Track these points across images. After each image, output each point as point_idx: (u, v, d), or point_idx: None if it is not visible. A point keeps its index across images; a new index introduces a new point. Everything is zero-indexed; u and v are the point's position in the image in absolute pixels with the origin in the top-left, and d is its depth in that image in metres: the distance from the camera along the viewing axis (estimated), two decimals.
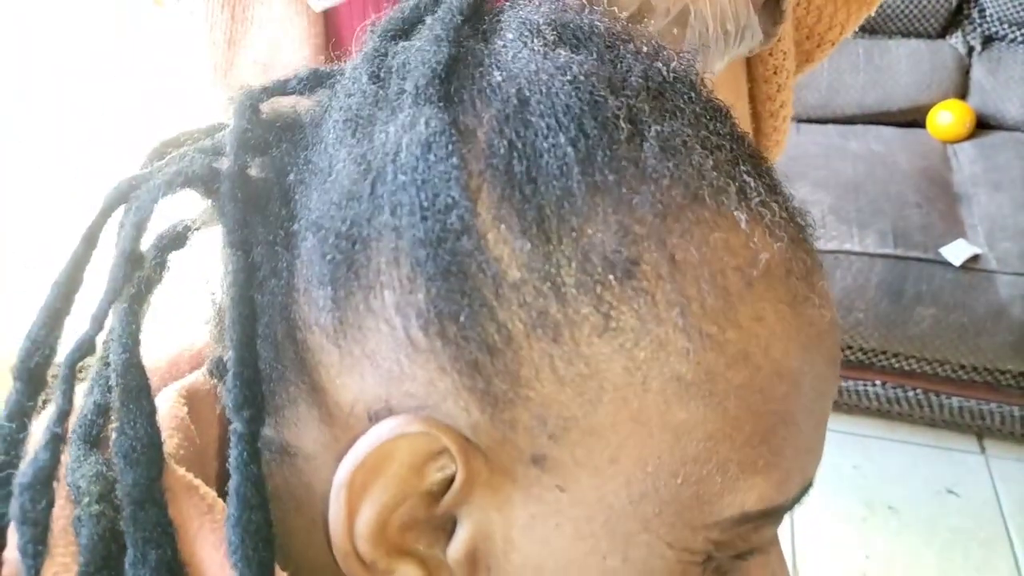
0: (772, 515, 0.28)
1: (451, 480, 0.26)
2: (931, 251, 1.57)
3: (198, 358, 0.35)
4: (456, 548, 0.27)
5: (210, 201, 0.29)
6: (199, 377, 0.33)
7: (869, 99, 1.97)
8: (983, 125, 1.92)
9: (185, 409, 0.31)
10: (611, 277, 0.25)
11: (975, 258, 1.55)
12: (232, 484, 0.25)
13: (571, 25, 0.29)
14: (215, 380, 0.32)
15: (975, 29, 1.95)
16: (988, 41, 1.95)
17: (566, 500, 0.26)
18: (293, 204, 0.28)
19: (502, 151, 0.26)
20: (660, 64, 0.29)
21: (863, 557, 1.51)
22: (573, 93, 0.26)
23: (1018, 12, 1.89)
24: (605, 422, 0.25)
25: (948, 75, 1.94)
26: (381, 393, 0.26)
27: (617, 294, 0.25)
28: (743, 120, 0.64)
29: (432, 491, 0.26)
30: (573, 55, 0.28)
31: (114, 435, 0.26)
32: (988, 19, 1.93)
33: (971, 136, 1.89)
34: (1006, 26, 1.92)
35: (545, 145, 0.26)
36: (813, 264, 0.29)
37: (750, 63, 0.62)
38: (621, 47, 0.29)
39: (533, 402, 0.25)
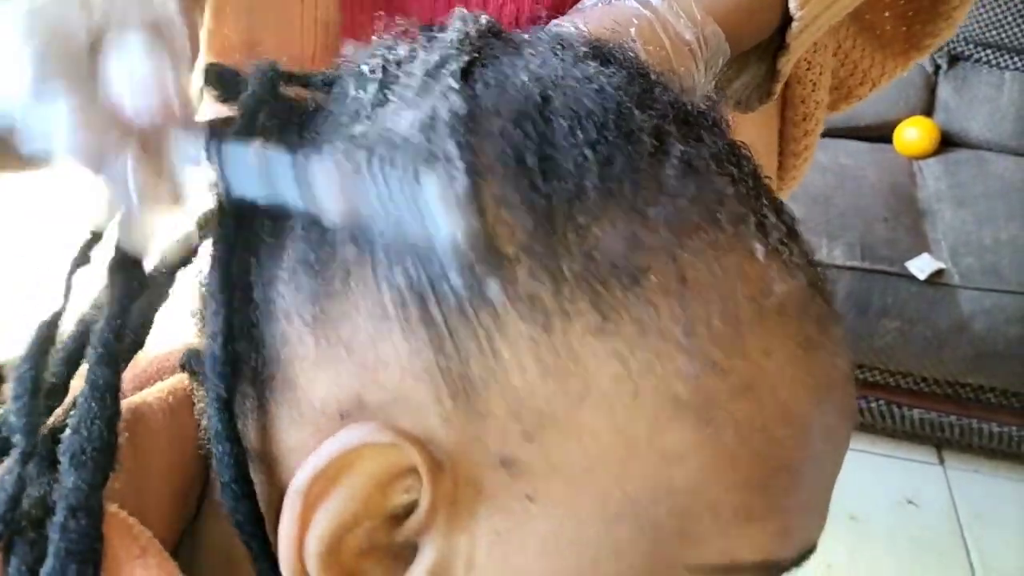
0: (769, 571, 0.26)
1: (415, 504, 0.25)
2: (897, 265, 1.59)
3: (142, 378, 0.33)
4: None
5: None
6: (146, 398, 0.31)
7: (838, 114, 2.00)
8: (948, 142, 1.95)
9: (125, 434, 0.29)
10: (614, 280, 0.24)
11: (939, 272, 1.57)
12: (216, 454, 0.26)
13: (605, 47, 0.29)
14: (187, 372, 0.31)
15: (942, 48, 1.99)
16: (954, 60, 1.99)
17: (534, 511, 0.24)
18: None
19: (516, 140, 0.25)
20: (686, 98, 0.28)
21: (824, 566, 1.52)
22: (599, 101, 0.26)
23: (983, 33, 1.93)
24: (585, 425, 0.24)
25: (915, 92, 1.98)
26: (354, 385, 0.25)
27: (619, 298, 0.24)
28: (769, 155, 0.63)
29: (395, 515, 0.25)
30: (603, 68, 0.28)
31: (67, 431, 0.24)
32: (955, 39, 1.97)
33: (936, 153, 1.92)
34: (972, 46, 1.96)
35: (564, 144, 0.25)
36: (830, 312, 0.27)
37: (784, 107, 0.62)
38: (652, 75, 0.29)
39: (509, 390, 0.24)
